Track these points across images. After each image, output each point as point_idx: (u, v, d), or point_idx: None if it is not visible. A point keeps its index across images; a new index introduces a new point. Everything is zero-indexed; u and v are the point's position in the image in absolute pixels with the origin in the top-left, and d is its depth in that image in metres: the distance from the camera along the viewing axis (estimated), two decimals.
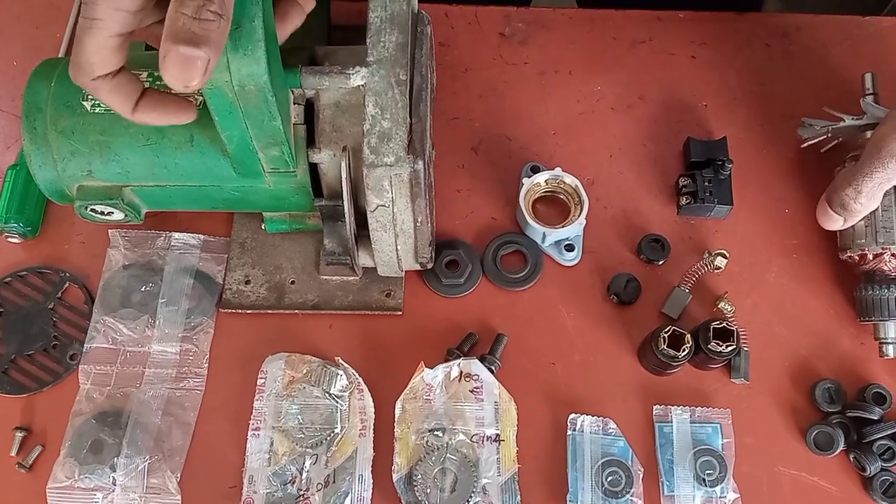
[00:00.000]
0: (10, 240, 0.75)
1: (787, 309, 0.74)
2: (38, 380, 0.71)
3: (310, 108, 0.63)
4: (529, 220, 0.73)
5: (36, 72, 0.64)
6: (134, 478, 0.66)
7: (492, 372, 0.69)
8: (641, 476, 0.67)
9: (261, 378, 0.70)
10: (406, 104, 0.59)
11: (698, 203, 0.75)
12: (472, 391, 0.69)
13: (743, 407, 0.70)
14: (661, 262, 0.75)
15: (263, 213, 0.71)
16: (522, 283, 0.74)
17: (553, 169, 0.75)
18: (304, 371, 0.70)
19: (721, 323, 0.67)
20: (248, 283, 0.74)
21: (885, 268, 0.70)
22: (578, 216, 0.74)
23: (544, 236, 0.74)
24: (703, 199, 0.75)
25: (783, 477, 0.68)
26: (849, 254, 0.71)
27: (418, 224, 0.63)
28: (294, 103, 0.62)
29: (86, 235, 0.76)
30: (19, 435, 0.68)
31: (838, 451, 0.68)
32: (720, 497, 0.66)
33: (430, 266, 0.70)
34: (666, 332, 0.67)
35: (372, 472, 0.66)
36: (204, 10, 0.45)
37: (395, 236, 0.64)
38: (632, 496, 0.66)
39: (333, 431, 0.68)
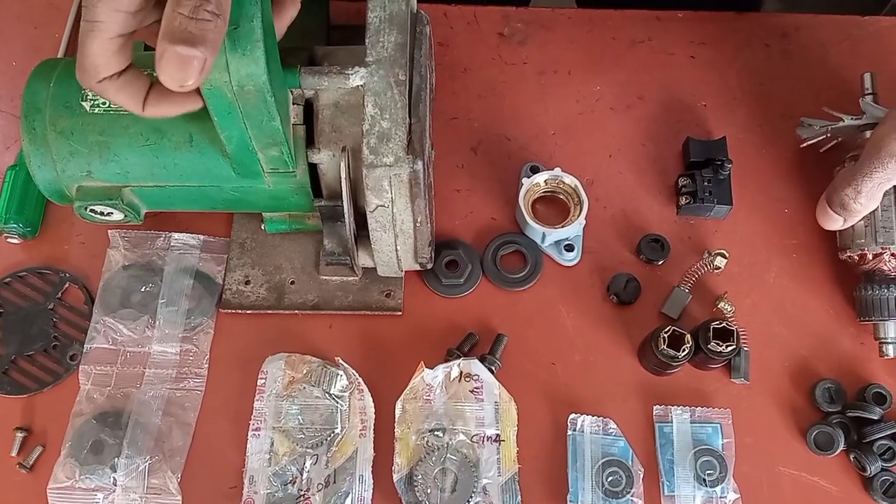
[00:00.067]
0: (9, 240, 0.75)
1: (786, 309, 0.74)
2: (39, 380, 0.71)
3: (309, 109, 0.63)
4: (529, 221, 0.73)
5: (35, 72, 0.64)
6: (134, 478, 0.66)
7: (492, 372, 0.69)
8: (642, 476, 0.67)
9: (261, 378, 0.70)
10: (405, 104, 0.59)
11: (698, 203, 0.75)
12: (472, 391, 0.69)
13: (743, 407, 0.70)
14: (660, 262, 0.75)
15: (263, 214, 0.71)
16: (522, 283, 0.74)
17: (552, 169, 0.75)
18: (305, 371, 0.70)
19: (721, 323, 0.67)
20: (247, 283, 0.74)
21: (885, 268, 0.70)
22: (578, 216, 0.74)
23: (544, 236, 0.74)
24: (702, 199, 0.75)
25: (783, 477, 0.68)
26: (848, 254, 0.71)
27: (418, 224, 0.63)
28: (293, 103, 0.62)
29: (85, 236, 0.76)
30: (20, 435, 0.68)
31: (838, 451, 0.68)
32: (720, 497, 0.66)
33: (429, 266, 0.70)
34: (666, 333, 0.67)
35: (372, 472, 0.66)
36: (201, 10, 0.45)
37: (395, 236, 0.64)
38: (632, 496, 0.66)
39: (334, 432, 0.68)
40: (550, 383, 0.71)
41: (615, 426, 0.69)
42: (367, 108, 0.59)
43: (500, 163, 0.79)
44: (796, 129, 0.76)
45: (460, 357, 0.70)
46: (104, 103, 0.62)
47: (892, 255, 0.69)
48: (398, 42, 0.59)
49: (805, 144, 0.76)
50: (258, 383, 0.70)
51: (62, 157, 0.62)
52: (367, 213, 0.62)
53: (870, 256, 0.70)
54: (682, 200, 0.76)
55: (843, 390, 0.70)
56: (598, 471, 0.67)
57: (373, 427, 0.68)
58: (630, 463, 0.67)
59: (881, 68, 0.77)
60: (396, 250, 0.66)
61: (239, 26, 0.50)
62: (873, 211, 0.69)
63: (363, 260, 0.70)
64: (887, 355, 0.70)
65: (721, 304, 0.72)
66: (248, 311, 0.73)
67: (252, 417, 0.69)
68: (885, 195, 0.68)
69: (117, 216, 0.65)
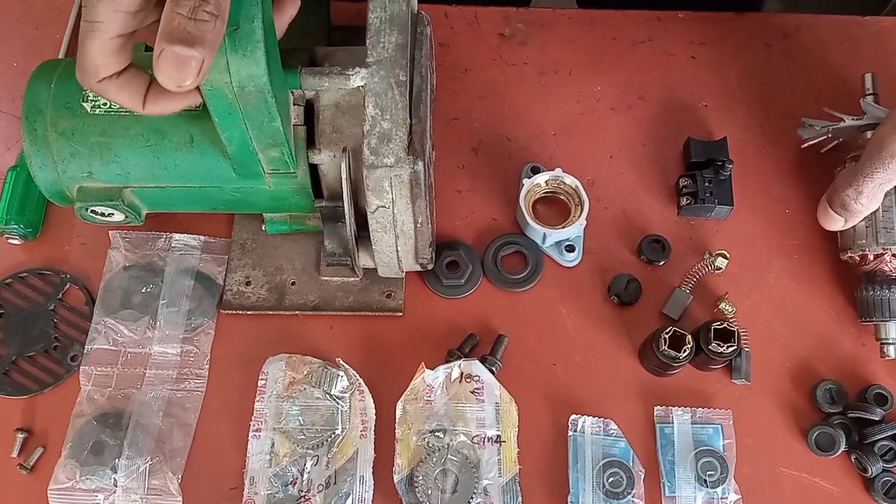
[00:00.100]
0: (10, 241, 0.75)
1: (787, 309, 0.74)
2: (39, 381, 0.71)
3: (310, 109, 0.63)
4: (530, 221, 0.73)
5: (36, 73, 0.64)
6: (135, 479, 0.66)
7: (492, 373, 0.69)
8: (643, 477, 0.67)
9: (261, 379, 0.70)
10: (406, 105, 0.59)
11: (699, 203, 0.75)
12: (472, 392, 0.69)
13: (744, 408, 0.70)
14: (661, 263, 0.75)
15: (264, 215, 0.71)
16: (523, 283, 0.74)
17: (553, 169, 0.75)
18: (305, 372, 0.70)
19: (722, 324, 0.67)
20: (248, 284, 0.74)
21: (886, 268, 0.70)
22: (579, 217, 0.74)
23: (545, 237, 0.74)
24: (703, 199, 0.75)
25: (784, 478, 0.68)
26: (849, 254, 0.71)
27: (418, 225, 0.63)
28: (294, 104, 0.62)
29: (86, 237, 0.76)
30: (20, 436, 0.68)
31: (839, 451, 0.68)
32: (721, 498, 0.66)
33: (430, 267, 0.70)
34: (667, 333, 0.67)
35: (373, 473, 0.66)
36: (200, 11, 0.45)
37: (396, 237, 0.64)
38: (633, 497, 0.66)
39: (334, 432, 0.68)
40: (551, 384, 0.71)
41: (616, 427, 0.69)
42: (368, 108, 0.58)
43: (501, 163, 0.79)
44: (797, 129, 0.76)
45: (461, 358, 0.70)
46: (105, 104, 0.62)
47: (894, 255, 0.69)
48: (399, 43, 0.59)
49: (806, 145, 0.76)
50: (259, 384, 0.70)
51: (63, 157, 0.62)
52: (368, 213, 0.62)
53: (871, 257, 0.70)
54: (683, 201, 0.76)
55: (845, 391, 0.70)
56: (598, 472, 0.67)
57: (373, 428, 0.68)
58: (631, 464, 0.67)
59: (882, 68, 0.77)
60: (397, 251, 0.66)
61: (239, 27, 0.50)
62: (874, 211, 0.69)
63: (364, 261, 0.70)
64: (888, 356, 0.70)
65: (722, 305, 0.72)
66: (249, 312, 0.73)
67: (253, 418, 0.69)
68: (886, 196, 0.68)
69: (118, 217, 0.65)
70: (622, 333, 0.73)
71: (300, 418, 0.68)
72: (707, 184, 0.75)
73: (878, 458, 0.67)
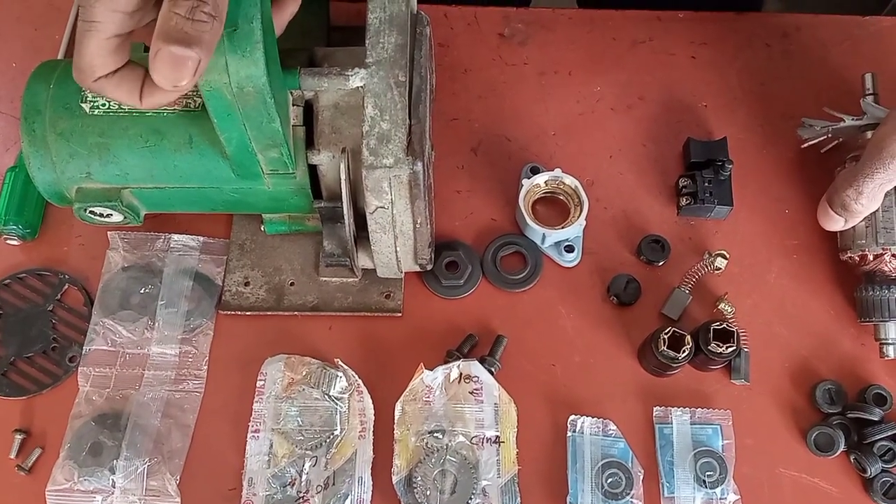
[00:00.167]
0: (9, 242, 0.75)
1: (787, 310, 0.74)
2: (38, 382, 0.70)
3: (309, 110, 0.63)
4: (529, 221, 0.73)
5: (35, 74, 0.64)
6: (133, 480, 0.66)
7: (491, 373, 0.69)
8: (641, 477, 0.67)
9: (260, 380, 0.70)
10: (405, 105, 0.59)
11: (698, 204, 0.75)
12: (471, 393, 0.69)
13: (743, 408, 0.70)
14: (661, 263, 0.75)
15: (263, 215, 0.71)
16: (522, 284, 0.74)
17: (553, 170, 0.75)
18: (304, 373, 0.70)
19: (721, 324, 0.67)
20: (247, 284, 0.74)
21: (886, 268, 0.69)
22: (578, 217, 0.74)
23: (544, 237, 0.74)
24: (703, 199, 0.74)
25: (783, 478, 0.68)
26: (849, 254, 0.71)
27: (418, 225, 0.63)
28: (293, 105, 0.62)
29: (85, 237, 0.76)
30: (18, 437, 0.68)
31: (839, 452, 0.68)
32: (720, 498, 0.66)
33: (429, 267, 0.70)
34: (666, 334, 0.67)
35: (371, 473, 0.66)
36: (197, 11, 0.45)
37: (395, 238, 0.64)
38: (632, 498, 0.66)
39: (333, 433, 0.67)
40: (550, 384, 0.71)
41: (615, 427, 0.69)
42: (367, 109, 0.58)
43: (501, 163, 0.79)
44: (797, 129, 0.76)
45: (460, 358, 0.70)
46: (104, 105, 0.62)
47: (893, 255, 0.69)
48: (398, 43, 0.59)
49: (806, 145, 0.76)
50: (257, 385, 0.70)
51: (62, 158, 0.62)
52: (367, 214, 0.62)
53: (870, 257, 0.70)
54: (683, 201, 0.76)
55: (844, 391, 0.70)
56: (597, 472, 0.67)
57: (372, 429, 0.68)
58: (630, 464, 0.67)
59: (882, 68, 0.77)
60: (396, 251, 0.66)
61: (238, 27, 0.50)
62: (874, 212, 0.69)
63: (363, 261, 0.70)
64: (888, 356, 0.70)
65: (721, 305, 0.72)
66: (248, 313, 0.73)
67: (251, 419, 0.69)
68: (886, 196, 0.68)
69: (117, 218, 0.65)
70: (621, 334, 0.73)
71: (299, 419, 0.68)
72: (707, 184, 0.75)
73: (878, 458, 0.67)
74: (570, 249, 0.75)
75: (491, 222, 0.77)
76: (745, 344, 0.70)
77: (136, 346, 0.71)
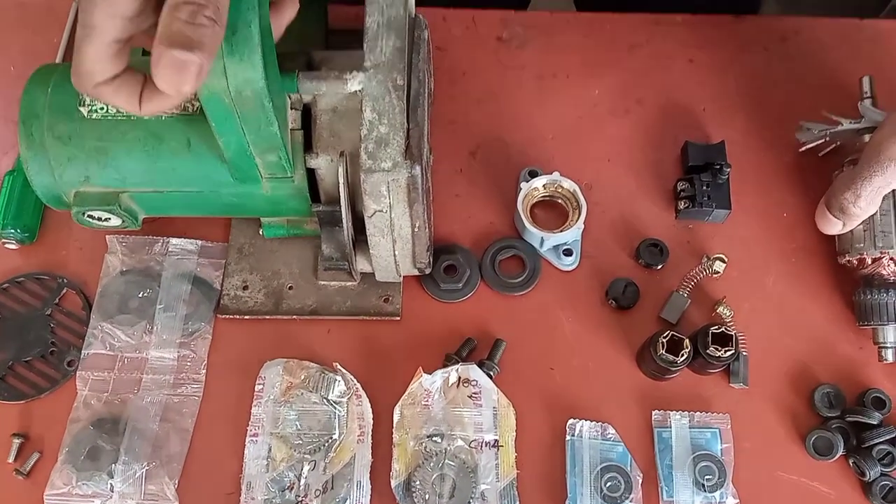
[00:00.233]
0: (7, 246, 0.75)
1: (785, 313, 0.74)
2: (36, 386, 0.70)
3: (307, 114, 0.62)
4: (528, 225, 0.73)
5: (33, 78, 0.63)
6: (131, 484, 0.66)
7: (490, 377, 0.69)
8: (640, 481, 0.67)
9: (259, 384, 0.70)
10: (403, 109, 0.59)
11: (697, 207, 0.75)
12: (470, 397, 0.69)
13: (742, 412, 0.70)
14: (659, 267, 0.75)
15: (261, 219, 0.71)
16: (521, 288, 0.74)
17: (551, 173, 0.75)
18: (303, 377, 0.69)
19: (720, 327, 0.67)
20: (245, 288, 0.74)
21: (884, 272, 0.69)
22: (576, 221, 0.74)
23: (542, 241, 0.74)
24: (701, 203, 0.75)
25: (782, 482, 0.68)
26: (847, 258, 0.71)
27: (416, 229, 0.63)
28: (291, 108, 0.62)
29: (83, 241, 0.76)
30: (17, 441, 0.68)
31: (838, 456, 0.68)
32: (720, 502, 0.66)
33: (428, 271, 0.70)
34: (664, 337, 0.67)
35: (370, 478, 0.66)
36: (199, 16, 0.45)
37: (393, 242, 0.64)
38: (631, 502, 0.66)
39: (331, 437, 0.67)
40: (549, 388, 0.71)
41: (614, 431, 0.69)
42: (366, 112, 0.58)
43: (499, 167, 0.79)
44: (795, 132, 0.76)
45: (459, 362, 0.70)
46: (102, 109, 0.62)
47: (891, 259, 0.69)
48: (396, 47, 0.59)
49: (804, 148, 0.76)
50: (256, 389, 0.70)
51: (60, 162, 0.62)
52: (366, 218, 0.62)
53: (869, 261, 0.70)
54: (681, 205, 0.76)
55: (843, 395, 0.70)
56: (596, 476, 0.67)
57: (371, 433, 0.68)
58: (629, 468, 0.67)
59: (880, 71, 0.77)
60: (395, 255, 0.66)
61: (236, 32, 0.50)
62: (872, 215, 0.69)
63: (361, 265, 0.70)
64: (886, 360, 0.70)
65: (720, 309, 0.72)
66: (246, 317, 0.73)
67: (250, 423, 0.69)
68: (884, 199, 0.68)
69: (115, 221, 0.65)
70: (620, 337, 0.73)
71: (297, 423, 0.68)
72: (705, 187, 0.75)
73: (876, 462, 0.67)
74: (568, 253, 0.75)
75: (489, 226, 0.77)
76: (743, 347, 0.70)
77: (135, 350, 0.71)
